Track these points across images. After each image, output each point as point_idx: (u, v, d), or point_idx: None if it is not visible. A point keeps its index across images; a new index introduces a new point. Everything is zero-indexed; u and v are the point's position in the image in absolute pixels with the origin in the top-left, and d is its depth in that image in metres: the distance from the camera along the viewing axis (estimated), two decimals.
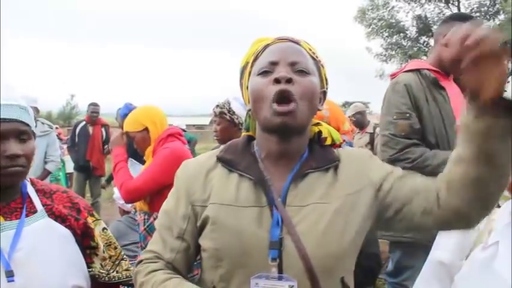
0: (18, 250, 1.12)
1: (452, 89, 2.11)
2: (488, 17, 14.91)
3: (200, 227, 1.02)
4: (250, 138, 1.12)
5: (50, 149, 4.58)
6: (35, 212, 1.21)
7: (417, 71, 2.07)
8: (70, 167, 7.48)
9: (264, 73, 1.00)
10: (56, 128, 7.33)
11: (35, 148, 1.24)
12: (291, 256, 0.92)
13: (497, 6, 14.63)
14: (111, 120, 6.53)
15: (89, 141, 6.14)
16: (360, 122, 5.62)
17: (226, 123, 2.46)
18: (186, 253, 1.04)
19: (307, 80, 0.99)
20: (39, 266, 1.14)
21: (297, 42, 1.05)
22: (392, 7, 16.31)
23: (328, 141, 1.08)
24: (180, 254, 1.04)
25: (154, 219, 2.22)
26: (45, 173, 4.55)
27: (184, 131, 5.36)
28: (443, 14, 15.78)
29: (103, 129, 6.31)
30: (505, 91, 0.79)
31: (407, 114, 1.96)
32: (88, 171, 6.17)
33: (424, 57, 14.17)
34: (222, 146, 1.13)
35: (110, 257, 1.36)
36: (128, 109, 3.26)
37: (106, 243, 1.37)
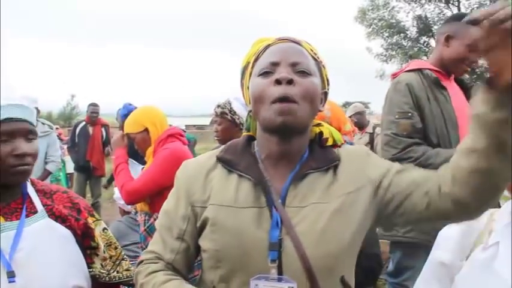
0: (18, 251, 1.13)
1: (453, 89, 2.12)
2: None
3: (200, 228, 1.02)
4: (251, 139, 1.12)
5: (51, 149, 4.57)
6: (35, 212, 1.21)
7: (419, 70, 2.08)
8: (70, 167, 7.49)
9: (265, 74, 1.00)
10: (57, 128, 7.35)
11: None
12: (291, 257, 0.92)
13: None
14: (111, 120, 6.54)
15: (89, 142, 6.15)
16: (359, 122, 5.63)
17: (227, 124, 2.46)
18: (186, 254, 1.04)
19: (308, 81, 0.99)
20: (40, 266, 1.14)
21: (298, 43, 1.05)
22: (393, 7, 16.32)
23: (330, 142, 1.08)
24: (180, 255, 1.03)
25: (155, 219, 2.22)
26: (46, 174, 4.55)
27: (183, 131, 5.35)
28: (444, 14, 15.78)
29: (103, 130, 6.32)
30: None
31: (409, 114, 1.96)
32: (88, 172, 6.17)
33: (425, 58, 14.17)
34: (222, 146, 1.13)
35: (111, 257, 1.36)
36: (127, 109, 3.24)
37: (106, 243, 1.37)
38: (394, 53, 16.36)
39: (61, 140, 7.77)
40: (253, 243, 0.94)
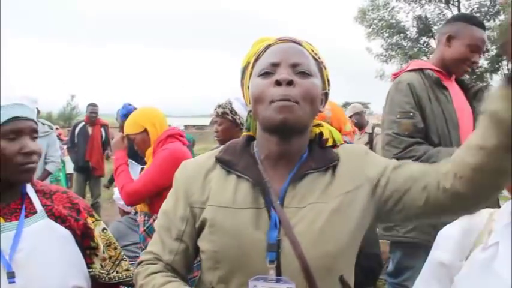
0: (18, 251, 1.13)
1: (454, 89, 2.12)
2: (489, 18, 14.91)
3: (199, 229, 1.02)
4: (250, 139, 1.12)
5: (50, 149, 4.57)
6: (35, 212, 1.21)
7: (420, 70, 2.08)
8: (70, 167, 7.49)
9: (265, 74, 0.99)
10: (56, 128, 7.34)
11: None
12: (289, 258, 0.92)
13: (497, 6, 14.63)
14: (111, 120, 6.54)
15: (88, 142, 6.15)
16: (358, 122, 5.64)
17: (228, 124, 2.46)
18: (185, 254, 1.04)
19: (308, 82, 0.98)
20: (40, 267, 1.14)
21: (298, 43, 1.04)
22: (393, 7, 16.32)
23: (330, 143, 1.08)
24: (179, 256, 1.03)
25: (154, 220, 2.21)
26: (46, 174, 4.55)
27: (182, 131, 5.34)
28: (444, 15, 15.78)
29: (102, 130, 6.32)
30: None
31: (411, 113, 1.96)
32: (88, 172, 6.17)
33: (425, 58, 14.17)
34: (222, 147, 1.13)
35: (110, 257, 1.36)
36: (126, 109, 3.24)
37: (106, 243, 1.37)
38: (394, 53, 16.36)
39: (61, 140, 7.76)
40: (252, 244, 0.94)
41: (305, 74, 0.99)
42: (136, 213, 2.63)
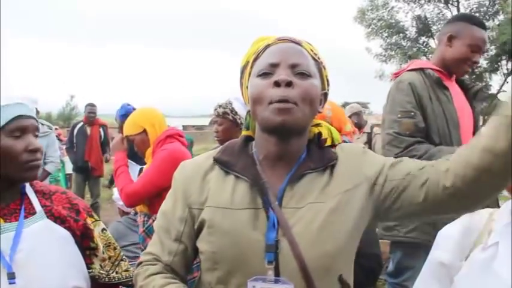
0: (18, 252, 1.12)
1: (454, 89, 2.12)
2: (488, 17, 14.90)
3: (197, 230, 1.02)
4: (248, 139, 1.11)
5: (50, 149, 4.57)
6: (34, 213, 1.21)
7: (421, 70, 2.08)
8: (69, 168, 7.48)
9: (264, 75, 0.99)
10: (56, 128, 7.34)
11: None
12: (287, 258, 0.92)
13: (496, 6, 14.63)
14: (110, 120, 6.53)
15: (87, 142, 6.14)
16: (356, 122, 5.65)
17: (228, 124, 2.45)
18: (184, 255, 1.04)
19: (307, 83, 0.98)
20: (39, 267, 1.14)
21: (298, 43, 1.04)
22: (392, 7, 16.29)
23: (328, 142, 1.08)
24: (178, 257, 1.03)
25: (154, 220, 2.21)
26: (45, 174, 4.54)
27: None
28: (443, 15, 15.77)
29: (101, 130, 6.32)
30: None
31: (412, 113, 1.96)
32: (87, 172, 6.17)
33: (424, 58, 14.17)
34: (220, 147, 1.12)
35: (110, 257, 1.36)
36: (125, 109, 3.23)
37: (105, 244, 1.36)
38: (393, 53, 16.34)
39: (60, 140, 7.76)
40: (250, 245, 0.94)
41: (304, 75, 0.98)
42: (135, 213, 2.63)
